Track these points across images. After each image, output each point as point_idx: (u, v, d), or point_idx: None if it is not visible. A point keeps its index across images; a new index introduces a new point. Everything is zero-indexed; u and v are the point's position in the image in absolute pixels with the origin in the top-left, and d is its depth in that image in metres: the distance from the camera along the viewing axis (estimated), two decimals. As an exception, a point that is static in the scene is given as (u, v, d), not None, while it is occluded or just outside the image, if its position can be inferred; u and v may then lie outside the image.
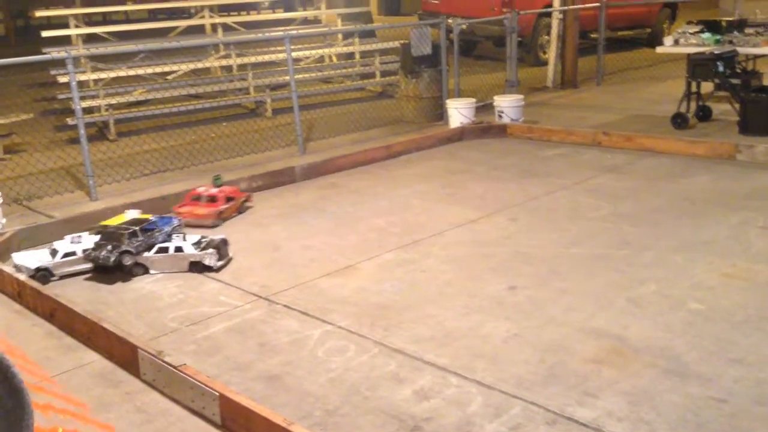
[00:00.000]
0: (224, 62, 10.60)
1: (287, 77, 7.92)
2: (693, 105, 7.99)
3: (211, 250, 4.70)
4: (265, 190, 6.49)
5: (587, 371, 3.30)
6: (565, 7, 10.76)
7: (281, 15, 13.25)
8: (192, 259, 4.69)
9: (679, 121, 7.90)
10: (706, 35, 8.31)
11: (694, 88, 7.93)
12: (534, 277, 4.38)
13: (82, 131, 6.18)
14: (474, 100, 8.54)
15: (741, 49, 7.93)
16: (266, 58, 10.49)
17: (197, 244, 4.80)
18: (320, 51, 11.62)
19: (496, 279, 4.38)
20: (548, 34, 11.70)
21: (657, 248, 4.72)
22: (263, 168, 6.80)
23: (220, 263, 4.75)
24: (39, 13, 11.61)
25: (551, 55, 11.22)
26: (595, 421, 2.91)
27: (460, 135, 8.17)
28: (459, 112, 8.32)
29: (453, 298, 4.16)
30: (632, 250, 4.73)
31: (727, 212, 5.31)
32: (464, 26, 9.67)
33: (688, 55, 7.95)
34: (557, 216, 5.47)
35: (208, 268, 4.68)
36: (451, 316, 3.93)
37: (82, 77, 8.98)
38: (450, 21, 9.04)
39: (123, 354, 3.52)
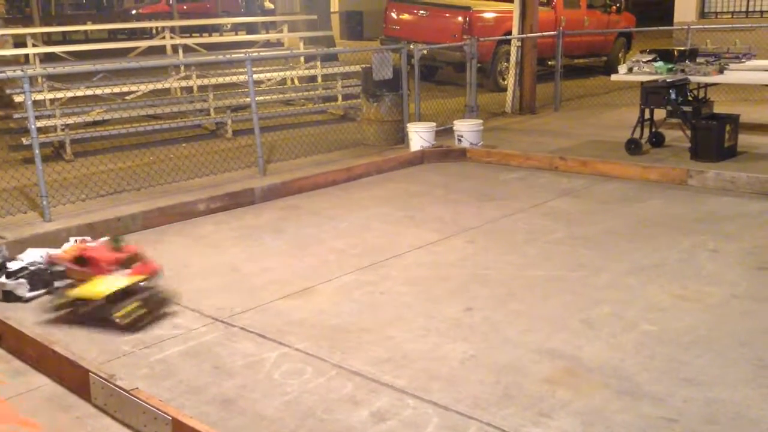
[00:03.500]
0: (185, 83, 10.54)
1: (248, 99, 7.92)
2: (646, 131, 8.21)
3: (22, 280, 4.57)
4: (224, 211, 6.44)
5: (542, 392, 3.33)
6: (524, 35, 10.99)
7: (243, 37, 13.29)
8: (4, 288, 4.56)
9: (632, 146, 8.10)
10: (659, 64, 8.56)
11: (647, 115, 8.16)
12: (491, 299, 4.42)
13: (36, 151, 6.07)
14: (434, 124, 8.63)
15: (692, 78, 8.19)
16: (228, 79, 10.47)
17: (17, 271, 4.62)
18: (282, 73, 11.64)
19: (454, 301, 4.41)
20: (507, 60, 11.93)
21: (611, 270, 4.81)
22: (222, 189, 6.76)
23: (32, 294, 4.58)
24: (-5, 32, 11.44)
25: (510, 81, 11.43)
26: (550, 442, 2.94)
27: (421, 158, 8.25)
28: (419, 135, 8.40)
29: (411, 320, 4.17)
30: (587, 272, 4.81)
31: (678, 236, 5.44)
32: (425, 51, 9.80)
33: (642, 83, 8.18)
34: (514, 238, 5.54)
35: (19, 299, 4.53)
36: (409, 338, 3.93)
37: (39, 96, 8.84)
38: (411, 46, 9.16)
39: (74, 378, 3.44)
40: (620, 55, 15.99)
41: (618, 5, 16.28)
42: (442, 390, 3.38)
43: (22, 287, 4.56)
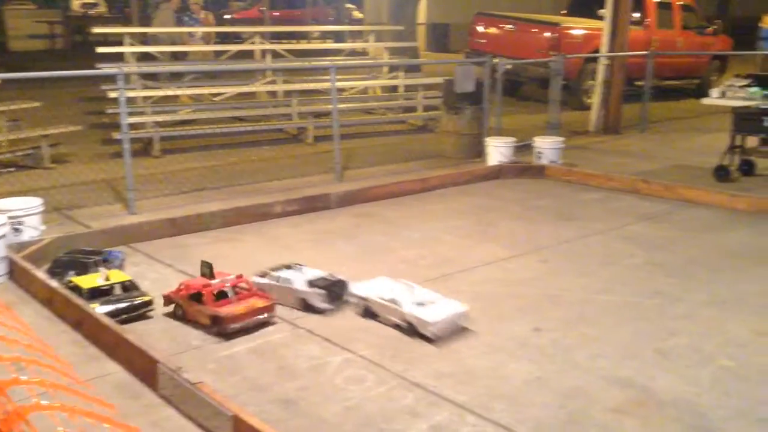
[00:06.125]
0: (270, 88, 10.79)
1: (330, 106, 8.03)
2: (737, 159, 7.87)
3: (321, 291, 4.39)
4: (300, 214, 6.54)
5: (608, 421, 3.23)
6: (613, 54, 10.73)
7: (330, 45, 13.50)
8: (298, 295, 4.42)
9: (721, 173, 7.77)
10: (754, 89, 8.20)
11: (738, 142, 7.82)
12: (561, 321, 4.31)
13: (126, 146, 6.33)
14: (514, 139, 8.53)
15: (790, 105, 7.80)
16: (311, 86, 10.66)
17: (316, 280, 4.47)
18: (365, 82, 11.76)
19: (522, 319, 4.33)
20: (594, 79, 11.67)
21: (690, 300, 4.62)
22: (299, 193, 6.87)
23: (328, 307, 4.40)
24: (96, 30, 12.01)
25: (595, 100, 11.17)
26: (613, 473, 2.85)
27: (498, 173, 8.16)
28: (498, 150, 8.31)
29: (477, 335, 4.12)
30: (664, 300, 4.63)
31: (763, 269, 5.18)
32: (509, 66, 9.71)
33: (734, 108, 7.85)
34: (589, 260, 5.40)
35: (315, 309, 4.39)
36: (473, 354, 3.88)
37: (132, 93, 9.22)
38: (496, 60, 9.09)
39: (144, 367, 3.55)
40: (713, 78, 15.41)
41: (715, 27, 15.72)
42: (504, 409, 3.31)
43: (318, 298, 4.39)
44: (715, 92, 8.66)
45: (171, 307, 4.36)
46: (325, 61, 10.89)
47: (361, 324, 4.25)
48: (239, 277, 4.42)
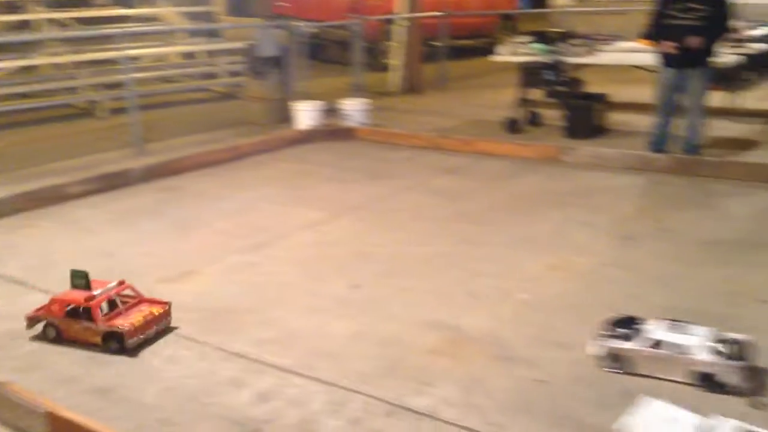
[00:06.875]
0: (55, 60, 9.93)
1: (124, 76, 7.58)
2: (525, 111, 8.51)
3: (738, 363, 3.09)
4: (100, 194, 6.15)
5: (425, 362, 3.42)
6: (410, 15, 11.09)
7: (118, 11, 12.61)
8: (697, 368, 3.13)
9: (511, 125, 8.39)
10: (537, 45, 8.85)
11: (525, 95, 8.45)
12: (377, 276, 4.47)
13: None
14: (321, 102, 8.59)
15: (567, 59, 8.53)
16: (102, 55, 9.95)
17: (718, 345, 3.17)
18: (160, 50, 11.19)
19: (340, 279, 4.43)
20: (392, 40, 12.01)
21: (491, 244, 4.98)
22: (97, 171, 6.44)
23: (743, 384, 3.07)
24: None
25: (396, 61, 11.52)
26: (430, 408, 3.03)
27: (308, 137, 8.19)
28: (306, 114, 8.34)
29: (296, 298, 4.16)
30: (470, 246, 4.96)
31: (552, 209, 5.70)
32: (312, 29, 9.70)
33: (521, 63, 8.46)
34: (401, 216, 5.63)
35: (723, 387, 3.08)
36: (294, 317, 3.92)
37: None
38: (298, 24, 9.04)
39: (-68, 374, 3.20)
40: (504, 37, 16.42)
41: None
42: (328, 367, 3.39)
43: (735, 373, 3.07)
44: (504, 50, 9.23)
45: (37, 329, 3.72)
46: (115, 29, 10.19)
47: (175, 301, 4.11)
48: (121, 283, 3.88)
